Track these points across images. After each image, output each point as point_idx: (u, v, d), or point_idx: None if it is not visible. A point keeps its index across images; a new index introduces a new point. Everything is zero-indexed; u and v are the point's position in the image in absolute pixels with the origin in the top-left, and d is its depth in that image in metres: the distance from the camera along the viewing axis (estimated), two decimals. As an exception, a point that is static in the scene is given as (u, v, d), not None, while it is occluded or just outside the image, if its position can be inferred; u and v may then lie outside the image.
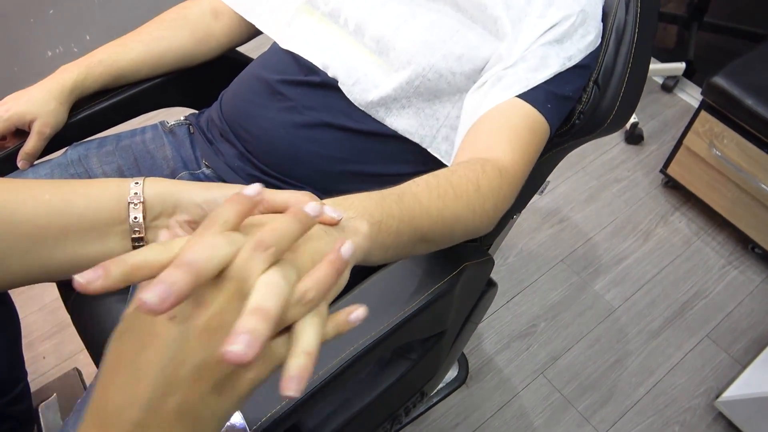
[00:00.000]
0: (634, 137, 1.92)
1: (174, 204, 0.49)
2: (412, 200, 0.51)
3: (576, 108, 0.77)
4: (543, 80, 0.68)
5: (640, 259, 1.64)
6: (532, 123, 0.67)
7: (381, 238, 0.46)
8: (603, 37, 0.75)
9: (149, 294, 0.29)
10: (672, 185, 1.80)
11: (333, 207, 0.42)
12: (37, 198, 0.48)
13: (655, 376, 1.42)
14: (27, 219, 0.47)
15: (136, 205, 0.49)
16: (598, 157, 1.89)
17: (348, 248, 0.37)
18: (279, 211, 0.41)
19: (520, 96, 0.68)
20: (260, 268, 0.33)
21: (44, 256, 0.48)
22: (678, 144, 1.66)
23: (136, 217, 0.49)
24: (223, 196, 0.47)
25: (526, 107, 0.67)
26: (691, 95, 2.09)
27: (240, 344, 0.29)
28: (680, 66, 2.04)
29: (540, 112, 0.68)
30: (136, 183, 0.50)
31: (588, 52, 0.71)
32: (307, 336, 0.34)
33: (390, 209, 0.48)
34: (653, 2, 0.78)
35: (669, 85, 2.09)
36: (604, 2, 0.76)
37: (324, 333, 0.36)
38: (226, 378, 0.33)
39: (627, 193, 1.80)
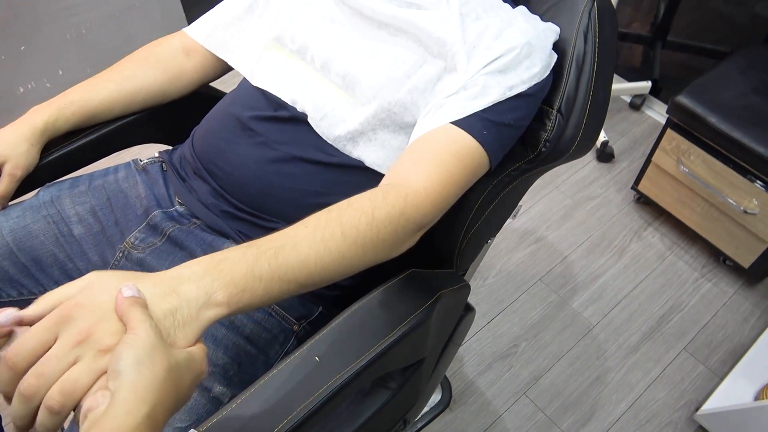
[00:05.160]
0: (605, 155, 1.96)
1: None
2: (290, 253, 0.55)
3: (541, 136, 0.79)
4: (480, 108, 0.70)
5: (616, 275, 1.67)
6: (460, 148, 0.69)
7: (245, 300, 0.52)
8: (564, 68, 0.78)
9: None
10: (644, 201, 1.84)
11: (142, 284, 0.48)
12: None
13: (635, 392, 1.44)
14: None
15: None
16: (571, 175, 1.93)
17: None
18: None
19: (455, 122, 0.70)
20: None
21: None
22: (647, 161, 1.70)
23: None
24: None
25: (459, 133, 0.69)
26: (658, 112, 2.14)
27: None
28: (646, 84, 2.10)
29: (474, 138, 0.69)
30: None
31: (533, 83, 0.72)
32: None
33: (260, 272, 0.53)
34: (611, 33, 0.80)
35: (636, 103, 2.15)
36: (561, 35, 0.78)
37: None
38: None
39: (600, 210, 1.83)
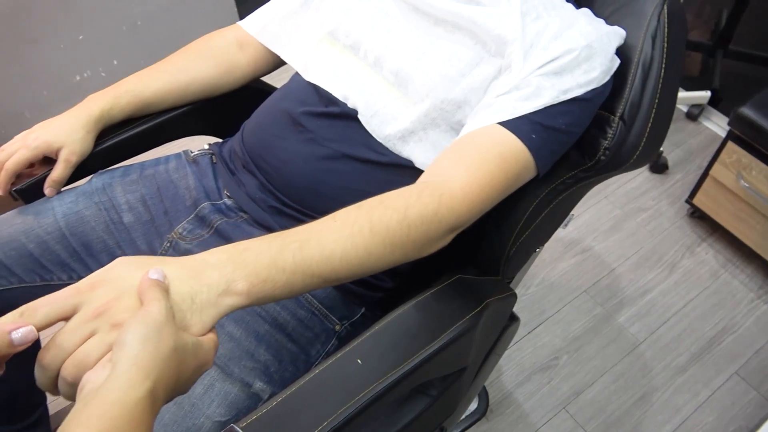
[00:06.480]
0: (659, 166, 1.89)
1: None
2: (315, 247, 0.55)
3: (602, 144, 0.76)
4: (530, 110, 0.67)
5: (666, 291, 1.60)
6: (504, 150, 0.66)
7: (266, 291, 0.52)
8: (629, 73, 0.74)
9: None
10: (698, 215, 1.76)
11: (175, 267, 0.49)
12: None
13: (681, 414, 1.37)
14: None
15: None
16: (622, 185, 1.87)
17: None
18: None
19: (502, 123, 0.67)
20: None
21: None
22: (704, 174, 1.63)
23: None
24: None
25: (505, 134, 0.67)
26: (716, 124, 2.06)
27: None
28: (705, 94, 2.01)
29: (522, 141, 0.66)
30: None
31: (590, 87, 0.69)
32: None
33: (283, 264, 0.53)
34: (680, 38, 0.77)
35: (694, 114, 2.07)
36: (627, 39, 0.75)
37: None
38: None
39: (652, 223, 1.77)
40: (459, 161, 0.66)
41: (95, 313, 0.44)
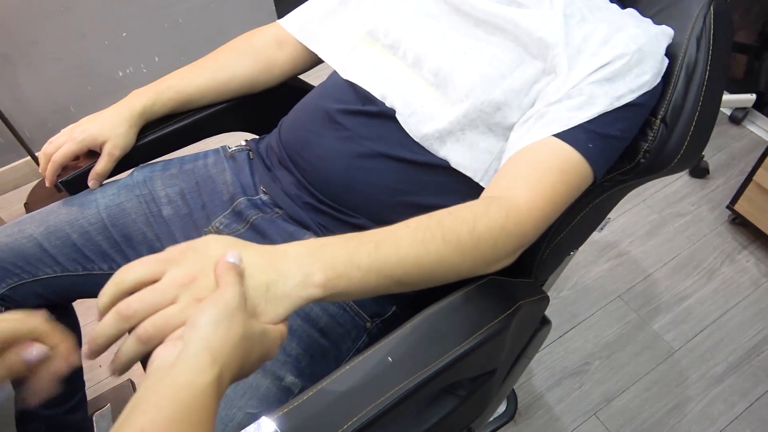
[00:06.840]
0: (699, 170, 1.85)
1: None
2: (390, 248, 0.56)
3: (641, 146, 0.74)
4: (585, 120, 0.66)
5: (704, 299, 1.56)
6: (563, 162, 0.66)
7: (341, 286, 0.53)
8: (672, 75, 0.73)
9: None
10: (739, 222, 1.71)
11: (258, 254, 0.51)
12: None
13: (716, 426, 1.34)
14: None
15: None
16: (660, 189, 1.83)
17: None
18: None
19: (558, 135, 0.66)
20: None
21: None
22: (747, 179, 1.58)
23: None
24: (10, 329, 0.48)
25: (562, 146, 0.66)
26: (761, 128, 1.99)
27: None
28: (750, 97, 1.95)
29: (579, 152, 0.66)
30: None
31: (642, 91, 0.68)
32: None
33: (359, 261, 0.54)
34: (726, 40, 0.75)
35: (738, 117, 2.01)
36: (673, 39, 0.73)
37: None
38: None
39: (690, 229, 1.72)
40: (520, 176, 0.66)
41: (182, 281, 0.46)
